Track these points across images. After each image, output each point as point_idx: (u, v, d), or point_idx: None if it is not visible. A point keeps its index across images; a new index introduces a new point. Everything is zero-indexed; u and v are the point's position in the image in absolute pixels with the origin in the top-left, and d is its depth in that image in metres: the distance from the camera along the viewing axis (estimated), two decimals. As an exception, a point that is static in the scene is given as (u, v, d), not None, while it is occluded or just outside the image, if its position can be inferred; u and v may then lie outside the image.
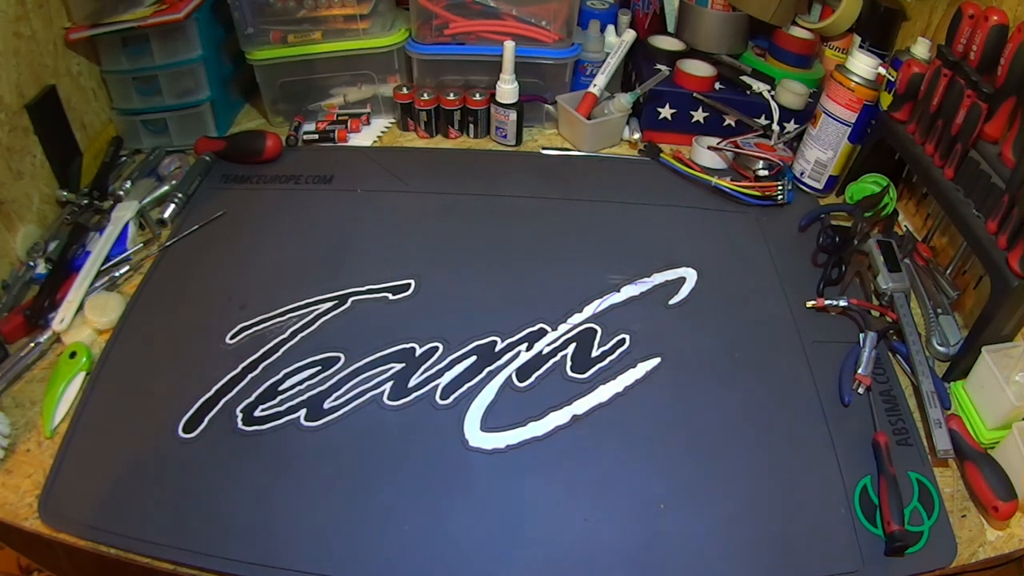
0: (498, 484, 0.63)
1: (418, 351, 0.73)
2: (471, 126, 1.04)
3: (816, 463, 0.65)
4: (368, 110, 1.08)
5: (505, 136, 1.03)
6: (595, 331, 0.75)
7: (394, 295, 0.79)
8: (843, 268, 0.82)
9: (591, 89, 1.00)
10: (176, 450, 0.64)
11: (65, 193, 0.87)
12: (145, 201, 0.89)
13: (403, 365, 0.71)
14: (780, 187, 0.92)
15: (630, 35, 1.01)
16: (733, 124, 1.01)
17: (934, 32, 0.93)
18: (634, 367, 0.72)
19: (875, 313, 0.76)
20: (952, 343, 0.75)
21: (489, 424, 0.67)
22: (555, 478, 0.63)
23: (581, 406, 0.69)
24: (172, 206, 0.88)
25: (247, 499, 0.61)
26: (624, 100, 1.00)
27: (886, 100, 0.90)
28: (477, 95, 1.01)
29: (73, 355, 0.71)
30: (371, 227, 0.88)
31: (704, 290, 0.81)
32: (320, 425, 0.66)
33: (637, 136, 1.04)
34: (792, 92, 0.98)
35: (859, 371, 0.71)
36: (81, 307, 0.75)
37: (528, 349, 0.73)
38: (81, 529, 0.59)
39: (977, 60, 0.71)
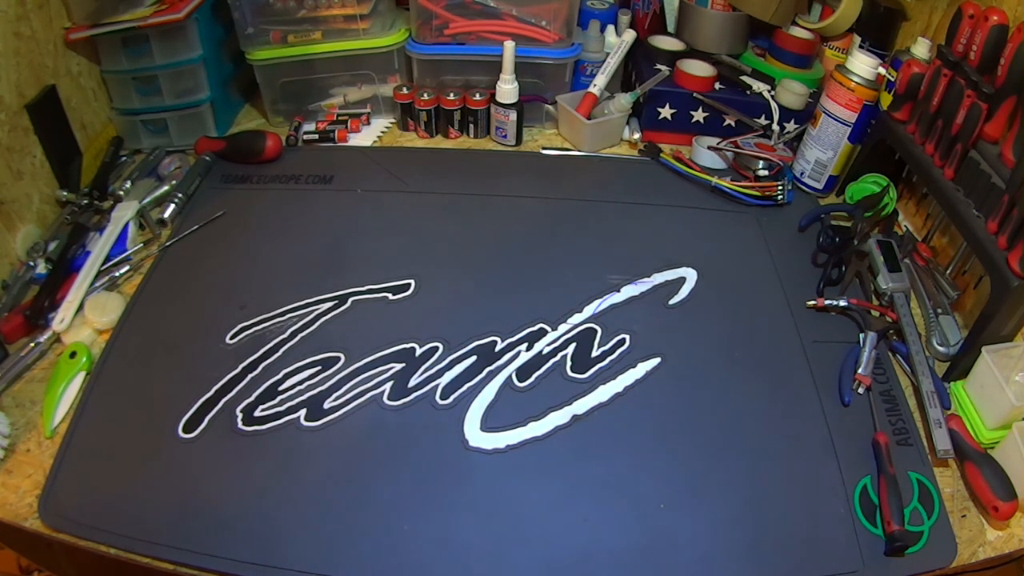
0: (498, 484, 0.63)
1: (418, 351, 0.73)
2: (471, 126, 1.04)
3: (816, 463, 0.65)
4: (368, 110, 1.08)
5: (505, 136, 1.03)
6: (595, 331, 0.75)
7: (394, 295, 0.79)
8: (843, 268, 0.82)
9: (591, 89, 1.00)
10: (176, 450, 0.64)
11: (65, 193, 0.87)
12: (145, 201, 0.89)
13: (403, 365, 0.71)
14: (780, 187, 0.92)
15: (630, 35, 1.01)
16: (733, 124, 1.01)
17: (934, 32, 0.93)
18: (634, 367, 0.72)
19: (875, 313, 0.76)
20: (952, 343, 0.75)
21: (489, 424, 0.67)
22: (555, 478, 0.63)
23: (581, 406, 0.69)
24: (172, 206, 0.88)
25: (247, 499, 0.61)
26: (624, 100, 1.00)
27: (886, 100, 0.90)
28: (477, 95, 1.01)
29: (73, 355, 0.71)
30: (371, 227, 0.88)
31: (704, 290, 0.81)
32: (320, 425, 0.66)
33: (637, 136, 1.04)
34: (792, 92, 0.98)
35: (859, 371, 0.71)
36: (81, 307, 0.75)
37: (528, 349, 0.73)
38: (81, 529, 0.59)
39: (977, 60, 0.71)
